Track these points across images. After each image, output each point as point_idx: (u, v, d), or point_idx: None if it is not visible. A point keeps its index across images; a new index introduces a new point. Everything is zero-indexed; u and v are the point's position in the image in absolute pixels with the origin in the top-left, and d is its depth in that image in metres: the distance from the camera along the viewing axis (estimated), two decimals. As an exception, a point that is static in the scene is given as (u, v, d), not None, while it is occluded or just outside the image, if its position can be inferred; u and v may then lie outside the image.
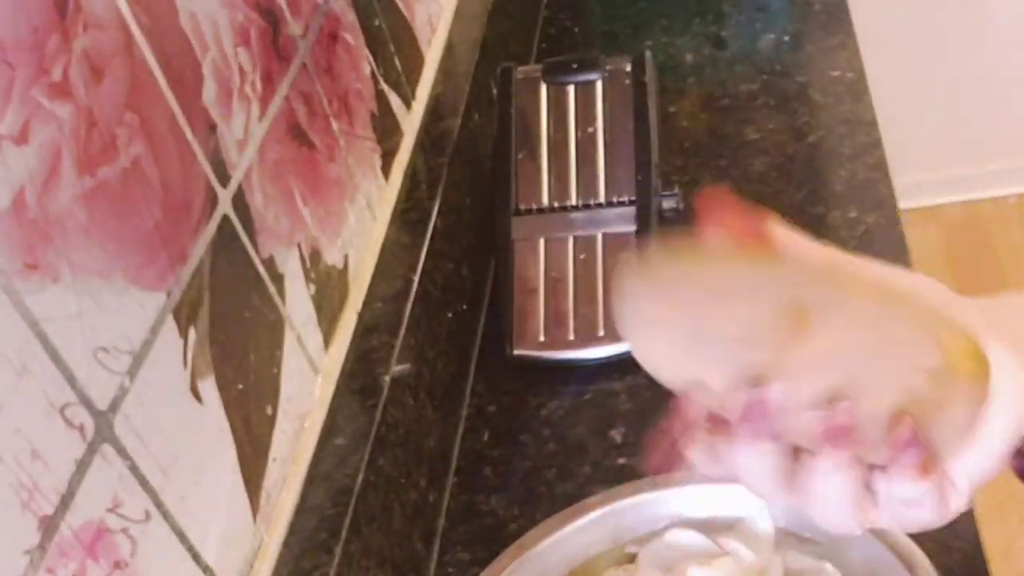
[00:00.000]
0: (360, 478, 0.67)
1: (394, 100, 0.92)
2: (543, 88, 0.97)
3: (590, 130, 0.95)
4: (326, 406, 0.71)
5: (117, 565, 0.49)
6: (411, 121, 0.95)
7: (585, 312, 0.89)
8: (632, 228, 0.91)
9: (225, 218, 0.62)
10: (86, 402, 0.48)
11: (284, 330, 0.68)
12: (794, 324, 0.41)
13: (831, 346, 0.41)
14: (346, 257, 0.79)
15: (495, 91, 0.99)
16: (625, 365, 0.89)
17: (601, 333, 0.88)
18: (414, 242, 0.85)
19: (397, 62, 0.94)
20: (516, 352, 0.90)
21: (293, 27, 0.74)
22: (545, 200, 0.94)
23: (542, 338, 0.89)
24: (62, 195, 0.48)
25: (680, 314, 0.43)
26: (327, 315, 0.74)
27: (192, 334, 0.57)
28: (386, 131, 0.89)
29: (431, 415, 0.82)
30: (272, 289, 0.67)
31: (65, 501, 0.46)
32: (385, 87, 0.90)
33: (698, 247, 0.45)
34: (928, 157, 2.28)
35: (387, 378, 0.74)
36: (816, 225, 0.97)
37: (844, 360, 0.42)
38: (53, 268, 0.47)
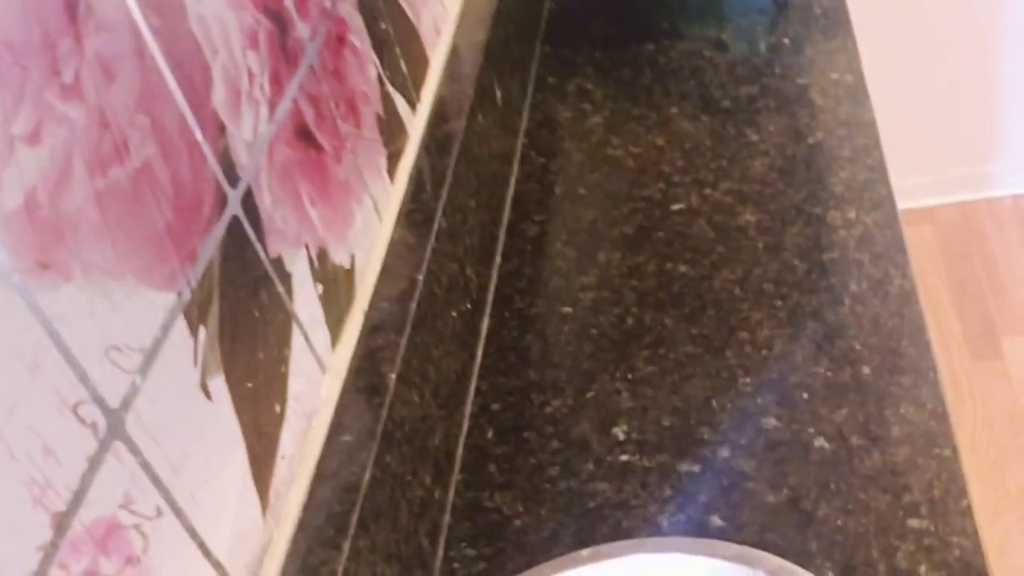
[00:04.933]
0: (367, 475, 0.68)
1: (400, 103, 0.92)
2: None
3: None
4: (333, 404, 0.72)
5: (129, 561, 0.49)
6: (416, 123, 0.96)
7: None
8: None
9: (234, 219, 0.63)
10: (98, 400, 0.48)
11: (292, 329, 0.68)
12: None
13: None
14: (353, 257, 0.79)
15: (499, 93, 0.99)
16: (626, 362, 0.89)
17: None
18: (419, 243, 0.85)
19: (403, 65, 0.94)
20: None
21: (301, 30, 0.75)
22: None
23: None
24: (74, 195, 0.49)
25: None
26: (334, 314, 0.75)
27: (202, 333, 0.58)
28: (392, 133, 0.90)
29: (436, 413, 0.82)
30: (280, 289, 0.67)
31: (77, 498, 0.46)
32: (391, 90, 0.90)
33: None
34: (924, 159, 2.29)
35: (393, 376, 0.74)
36: (816, 225, 0.97)
37: None
38: (65, 267, 0.48)
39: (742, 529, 0.75)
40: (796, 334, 0.85)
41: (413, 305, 0.80)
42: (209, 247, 0.60)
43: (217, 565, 0.57)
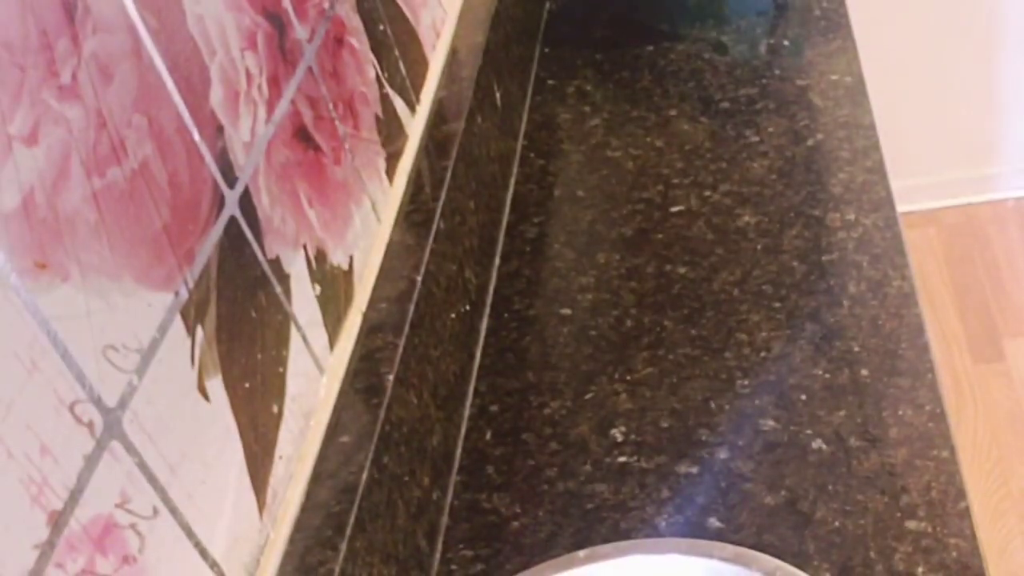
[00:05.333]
0: (365, 476, 0.68)
1: (399, 104, 0.93)
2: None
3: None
4: (331, 405, 0.72)
5: (125, 560, 0.49)
6: (415, 125, 0.96)
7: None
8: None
9: (232, 219, 0.63)
10: (95, 399, 0.49)
11: (290, 330, 0.68)
12: None
13: None
14: (351, 258, 0.79)
15: (498, 95, 1.00)
16: (625, 364, 0.90)
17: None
18: (418, 244, 0.85)
19: (402, 66, 0.94)
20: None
21: (299, 31, 0.75)
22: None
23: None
24: (72, 196, 0.49)
25: None
26: (332, 315, 0.75)
27: (199, 333, 0.58)
28: (391, 134, 0.90)
29: (434, 414, 0.83)
30: (278, 289, 0.67)
31: (74, 496, 0.46)
32: (390, 91, 0.91)
33: None
34: (926, 161, 2.29)
35: (391, 377, 0.75)
36: (815, 227, 0.97)
37: None
38: (63, 268, 0.48)
39: (740, 530, 0.75)
40: (795, 336, 0.85)
41: (411, 306, 0.80)
42: (206, 248, 0.60)
43: (214, 565, 0.57)
